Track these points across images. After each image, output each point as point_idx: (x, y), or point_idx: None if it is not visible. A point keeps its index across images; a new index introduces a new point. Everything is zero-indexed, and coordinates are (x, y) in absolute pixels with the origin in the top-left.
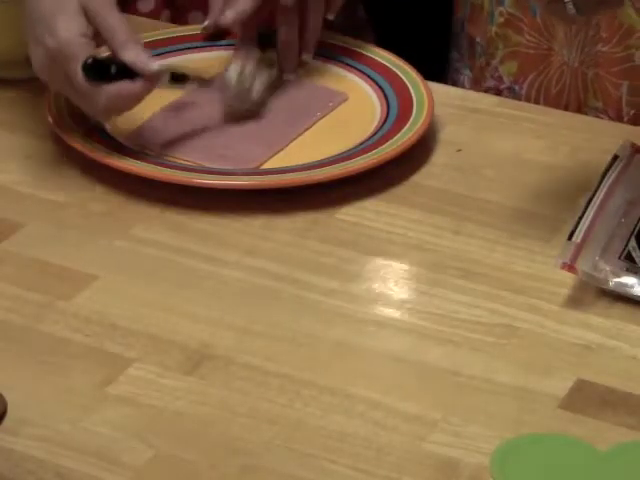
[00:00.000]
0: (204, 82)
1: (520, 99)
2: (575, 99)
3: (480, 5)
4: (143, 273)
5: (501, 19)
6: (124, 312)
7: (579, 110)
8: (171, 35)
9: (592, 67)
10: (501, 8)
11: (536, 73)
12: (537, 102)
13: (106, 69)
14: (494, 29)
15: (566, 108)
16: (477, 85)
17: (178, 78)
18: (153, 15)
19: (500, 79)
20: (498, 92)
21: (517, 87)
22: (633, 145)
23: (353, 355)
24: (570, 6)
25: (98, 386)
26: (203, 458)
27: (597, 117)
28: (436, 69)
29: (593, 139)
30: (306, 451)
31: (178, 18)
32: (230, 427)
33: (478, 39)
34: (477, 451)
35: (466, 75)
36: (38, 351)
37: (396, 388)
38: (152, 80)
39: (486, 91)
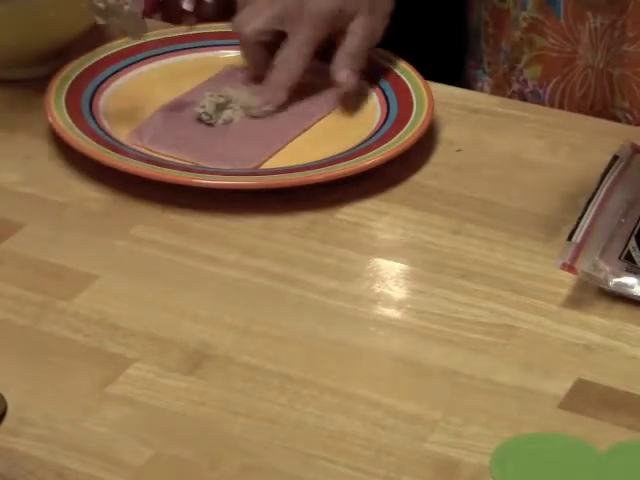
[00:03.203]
0: None
1: (544, 103)
2: (601, 100)
3: (506, 10)
4: (143, 273)
5: (525, 24)
6: (124, 312)
7: (605, 110)
8: (172, 35)
9: (618, 67)
10: (524, 13)
11: (560, 77)
12: (561, 105)
13: None
14: (519, 34)
15: (591, 109)
16: (500, 90)
17: None
18: (144, 16)
19: (525, 83)
20: (523, 96)
21: (541, 91)
22: (633, 145)
23: (353, 355)
24: None
25: (98, 386)
26: (203, 458)
27: (624, 117)
28: (446, 75)
29: (593, 139)
30: (306, 451)
31: (170, 21)
32: (230, 427)
33: (502, 44)
34: (477, 451)
35: (485, 81)
36: (38, 351)
37: (396, 388)
38: None
39: (510, 96)
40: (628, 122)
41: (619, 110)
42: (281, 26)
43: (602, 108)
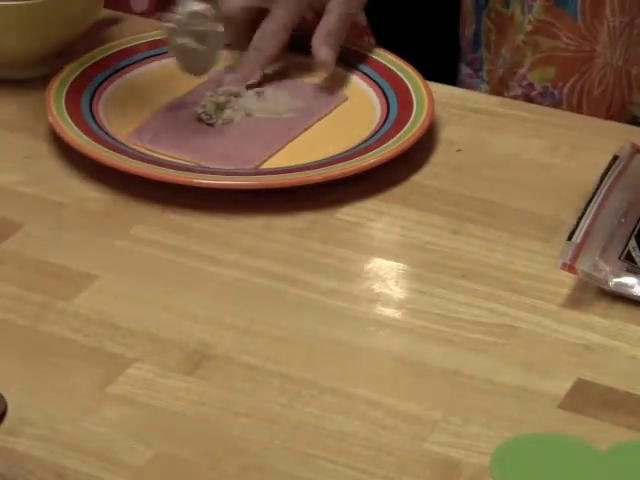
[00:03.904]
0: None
1: (560, 103)
2: (619, 98)
3: (509, 16)
4: (143, 273)
5: (529, 27)
6: (124, 312)
7: (623, 109)
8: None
9: (636, 65)
10: (529, 16)
11: (577, 76)
12: (579, 104)
13: None
14: (521, 37)
15: (609, 107)
16: (499, 96)
17: None
18: (146, 16)
19: (530, 86)
20: (529, 99)
21: (556, 92)
22: (633, 145)
23: (353, 355)
24: None
25: (98, 386)
26: (203, 458)
27: None
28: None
29: (593, 139)
30: (306, 451)
31: None
32: (230, 427)
33: (503, 50)
34: (477, 451)
35: (483, 88)
36: (38, 351)
37: (396, 388)
38: None
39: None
40: None
41: (637, 108)
42: (263, 3)
43: (620, 106)
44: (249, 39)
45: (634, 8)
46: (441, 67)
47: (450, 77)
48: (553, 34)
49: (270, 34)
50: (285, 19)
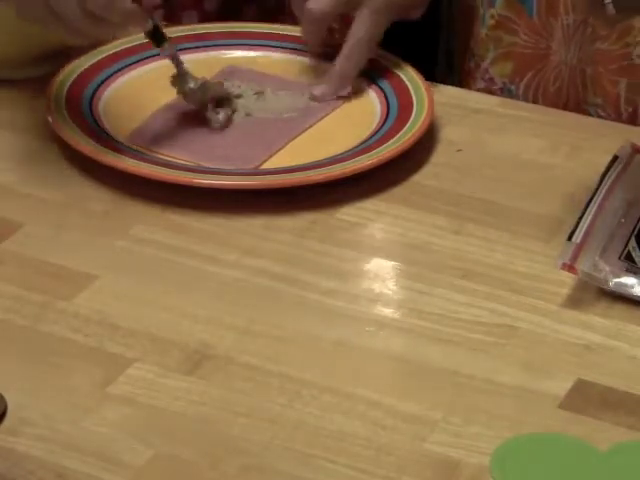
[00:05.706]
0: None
1: (517, 99)
2: (574, 96)
3: (476, 7)
4: (143, 273)
5: (492, 21)
6: (124, 312)
7: (578, 107)
8: (172, 35)
9: (591, 65)
10: (492, 10)
11: (533, 72)
12: (535, 101)
13: None
14: (484, 31)
15: (565, 106)
16: (465, 88)
17: (157, 36)
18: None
19: (492, 81)
20: (491, 94)
21: (513, 87)
22: (633, 145)
23: (353, 355)
24: (610, 7)
25: (98, 386)
26: (203, 458)
27: (597, 114)
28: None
29: (593, 139)
30: (306, 451)
31: (172, 17)
32: (230, 427)
33: (471, 42)
34: (477, 451)
35: (455, 79)
36: (38, 351)
37: (396, 388)
38: (136, 16)
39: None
40: (600, 119)
41: (592, 107)
42: (350, 10)
43: (575, 105)
44: (323, 44)
45: (587, 6)
46: (422, 56)
47: (429, 67)
48: (512, 30)
49: (361, 43)
50: (374, 28)
